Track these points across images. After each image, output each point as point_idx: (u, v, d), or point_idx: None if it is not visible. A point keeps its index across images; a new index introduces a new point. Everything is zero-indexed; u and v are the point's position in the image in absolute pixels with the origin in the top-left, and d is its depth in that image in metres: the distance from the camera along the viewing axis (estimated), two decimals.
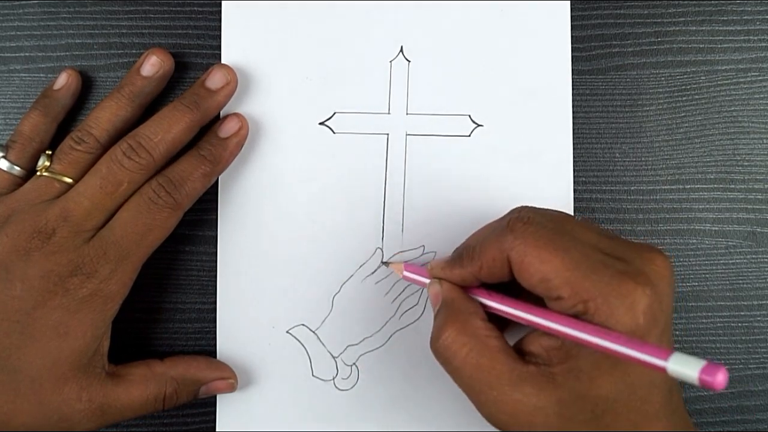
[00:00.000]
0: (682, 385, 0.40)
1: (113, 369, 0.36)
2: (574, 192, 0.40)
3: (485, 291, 0.33)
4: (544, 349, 0.30)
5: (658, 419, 0.29)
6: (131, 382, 0.36)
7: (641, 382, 0.29)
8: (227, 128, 0.38)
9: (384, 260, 0.39)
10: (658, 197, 0.40)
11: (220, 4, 0.40)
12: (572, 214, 0.40)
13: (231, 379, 0.38)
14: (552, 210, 0.32)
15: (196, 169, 0.37)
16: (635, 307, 0.27)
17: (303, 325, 0.39)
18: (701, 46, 0.40)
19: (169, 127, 0.36)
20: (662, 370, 0.25)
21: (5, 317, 0.33)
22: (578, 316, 0.28)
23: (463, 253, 0.33)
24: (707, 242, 0.40)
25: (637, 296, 0.27)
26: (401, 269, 0.37)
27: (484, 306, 0.32)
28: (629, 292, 0.27)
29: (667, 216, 0.40)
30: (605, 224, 0.40)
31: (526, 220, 0.30)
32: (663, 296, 0.28)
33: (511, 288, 0.32)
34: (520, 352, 0.31)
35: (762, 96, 0.40)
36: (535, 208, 0.32)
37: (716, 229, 0.40)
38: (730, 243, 0.40)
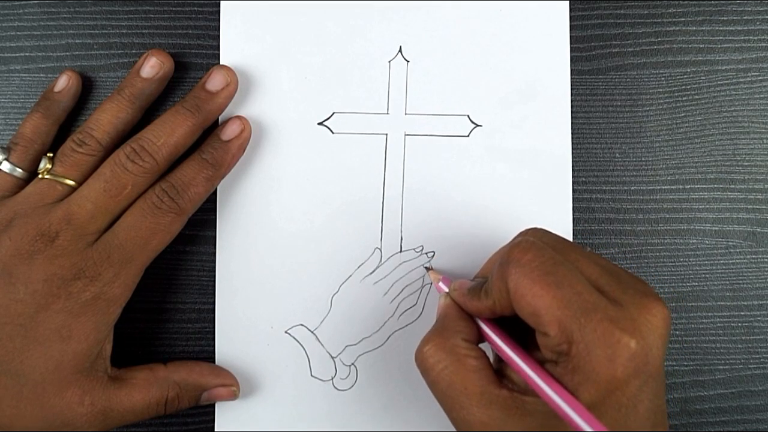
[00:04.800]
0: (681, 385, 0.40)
1: (116, 373, 0.36)
2: (574, 192, 0.40)
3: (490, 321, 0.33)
4: (521, 378, 0.30)
5: None
6: (134, 385, 0.36)
7: None
8: (229, 131, 0.38)
9: (426, 265, 0.39)
10: (658, 197, 0.40)
11: (220, 4, 0.40)
12: (571, 214, 0.40)
13: (233, 386, 0.38)
14: (559, 237, 0.32)
15: (199, 173, 0.37)
16: (615, 358, 0.27)
17: (302, 325, 0.39)
18: (701, 46, 0.40)
19: (171, 131, 0.36)
20: None
21: (8, 321, 0.34)
22: (561, 355, 0.28)
23: (481, 287, 0.32)
24: (707, 242, 0.40)
25: (619, 347, 0.27)
26: (438, 280, 0.37)
27: (482, 331, 0.33)
28: (613, 342, 0.27)
29: (667, 216, 0.40)
30: (605, 224, 0.40)
31: (525, 248, 0.29)
32: (651, 348, 0.27)
33: None
34: (501, 374, 0.31)
35: (762, 96, 0.40)
36: (539, 232, 0.32)
37: (716, 229, 0.40)
38: (730, 243, 0.40)
